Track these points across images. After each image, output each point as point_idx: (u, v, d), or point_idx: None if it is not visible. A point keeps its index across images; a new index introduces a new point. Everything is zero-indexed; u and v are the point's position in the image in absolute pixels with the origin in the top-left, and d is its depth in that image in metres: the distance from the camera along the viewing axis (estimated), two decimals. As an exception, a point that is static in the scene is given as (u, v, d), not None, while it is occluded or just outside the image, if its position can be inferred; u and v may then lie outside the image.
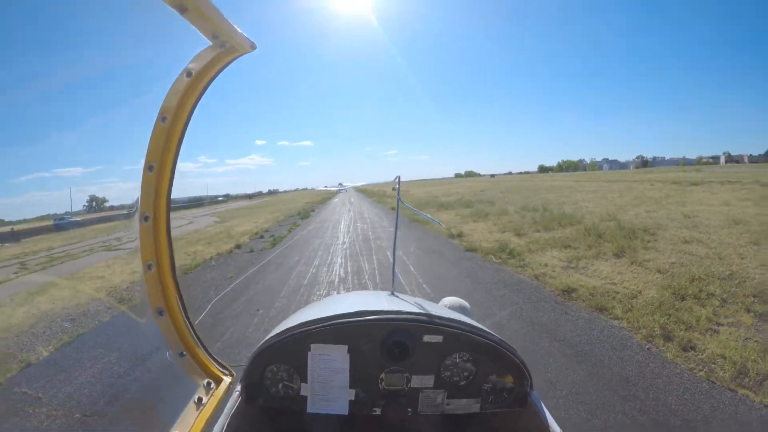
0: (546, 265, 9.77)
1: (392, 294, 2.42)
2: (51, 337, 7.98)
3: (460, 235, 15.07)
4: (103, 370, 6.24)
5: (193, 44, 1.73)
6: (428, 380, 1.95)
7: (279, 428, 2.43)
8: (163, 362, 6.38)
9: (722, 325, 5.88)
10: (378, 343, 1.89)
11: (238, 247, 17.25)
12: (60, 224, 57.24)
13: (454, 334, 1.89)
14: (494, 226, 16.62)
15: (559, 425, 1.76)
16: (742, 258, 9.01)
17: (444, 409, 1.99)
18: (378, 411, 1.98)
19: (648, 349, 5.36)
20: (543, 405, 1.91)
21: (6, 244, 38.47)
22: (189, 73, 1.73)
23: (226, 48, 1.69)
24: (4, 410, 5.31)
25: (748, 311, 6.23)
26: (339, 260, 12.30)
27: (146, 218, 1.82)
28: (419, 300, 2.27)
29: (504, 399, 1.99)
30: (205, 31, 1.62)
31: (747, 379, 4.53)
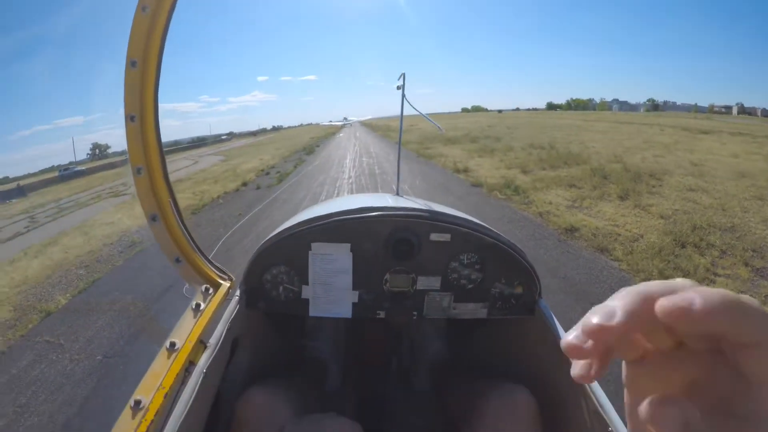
0: (550, 203, 9.83)
1: (397, 194, 2.42)
2: (67, 285, 8.11)
3: (465, 171, 15.06)
4: (120, 311, 6.40)
5: None
6: (435, 282, 1.91)
7: (281, 332, 2.48)
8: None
9: (719, 276, 5.99)
10: (382, 241, 1.84)
11: (245, 184, 17.25)
12: (65, 175, 56.92)
13: (463, 233, 1.84)
14: (500, 163, 16.59)
15: None
16: (745, 212, 9.06)
17: (450, 313, 1.95)
18: (382, 314, 1.95)
19: (645, 292, 5.46)
20: (552, 314, 1.89)
21: (14, 200, 38.39)
22: None
23: None
24: (31, 359, 5.48)
25: (746, 265, 6.32)
26: (345, 195, 12.23)
27: (132, 118, 1.69)
28: (425, 201, 2.22)
29: (512, 305, 1.94)
30: None
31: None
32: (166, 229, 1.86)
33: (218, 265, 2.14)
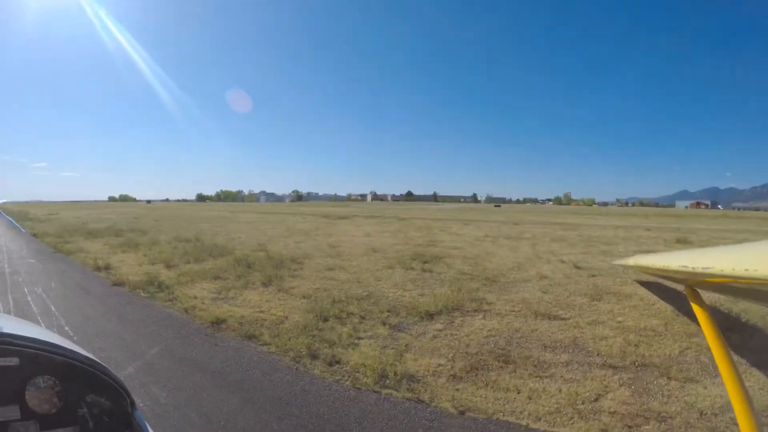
0: (196, 297, 9.50)
1: None
2: None
3: (107, 268, 13.79)
4: None
5: None
6: (14, 411, 1.66)
7: None
8: None
9: (362, 338, 6.42)
10: None
11: None
12: None
13: (31, 355, 1.67)
14: (144, 257, 15.60)
15: None
16: (378, 280, 10.17)
17: None
18: None
19: (297, 369, 5.52)
20: (147, 425, 1.84)
21: None
22: None
23: None
24: None
25: (384, 324, 6.97)
26: None
27: None
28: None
29: (106, 423, 1.78)
30: None
31: (388, 381, 5.03)
32: None
33: None
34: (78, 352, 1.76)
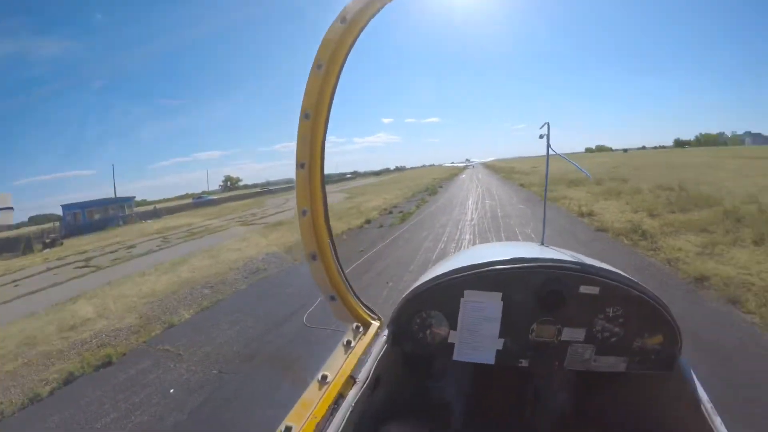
0: (679, 249, 9.41)
1: (543, 244, 2.41)
2: (192, 302, 9.00)
3: (590, 214, 14.62)
4: (240, 332, 7.05)
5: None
6: (579, 334, 1.88)
7: (410, 372, 2.50)
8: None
9: None
10: (533, 291, 1.85)
11: (368, 222, 17.97)
12: (198, 202, 64.08)
13: (611, 287, 1.82)
14: (626, 206, 15.92)
15: (709, 396, 1.69)
16: None
17: (590, 366, 1.91)
18: (524, 363, 1.94)
19: (777, 349, 5.10)
20: (692, 372, 1.81)
21: (148, 221, 44.19)
22: (343, 19, 1.73)
23: None
24: (149, 365, 6.25)
25: None
26: (467, 237, 12.47)
27: (302, 165, 1.87)
28: (571, 252, 2.19)
29: (651, 360, 1.87)
30: None
31: None
32: (323, 268, 2.05)
33: (369, 305, 2.32)
34: (647, 289, 1.84)
